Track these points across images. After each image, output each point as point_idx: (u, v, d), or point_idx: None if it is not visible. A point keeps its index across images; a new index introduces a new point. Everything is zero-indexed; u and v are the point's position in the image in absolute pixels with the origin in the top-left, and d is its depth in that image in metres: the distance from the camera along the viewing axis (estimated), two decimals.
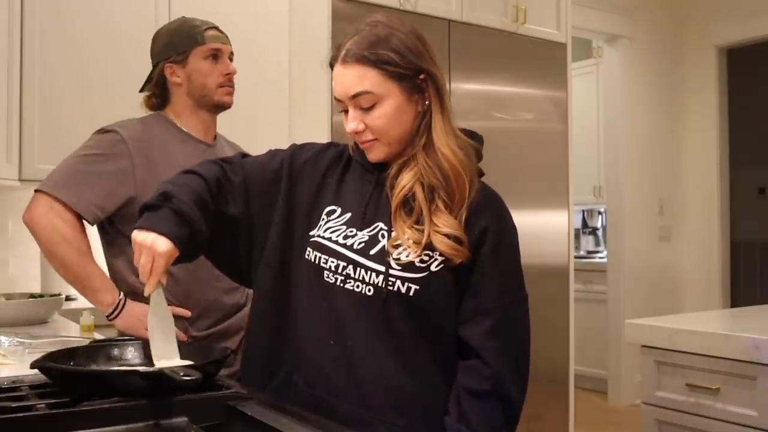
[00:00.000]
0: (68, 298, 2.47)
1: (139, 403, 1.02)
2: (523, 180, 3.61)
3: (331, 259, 1.23)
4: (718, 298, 5.04)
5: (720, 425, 1.84)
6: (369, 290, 1.20)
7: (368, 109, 1.23)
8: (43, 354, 1.13)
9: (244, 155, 1.43)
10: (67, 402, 1.02)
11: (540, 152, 3.73)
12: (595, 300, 5.15)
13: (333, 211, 1.28)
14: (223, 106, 1.86)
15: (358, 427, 1.16)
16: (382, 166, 1.28)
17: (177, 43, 1.81)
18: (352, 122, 1.25)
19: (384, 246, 1.22)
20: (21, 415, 0.96)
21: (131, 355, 1.22)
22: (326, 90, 2.78)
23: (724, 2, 5.00)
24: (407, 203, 1.24)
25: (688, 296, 5.17)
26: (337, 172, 1.33)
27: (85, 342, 1.54)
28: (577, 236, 5.67)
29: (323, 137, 2.88)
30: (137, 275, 1.72)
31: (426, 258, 1.20)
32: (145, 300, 1.70)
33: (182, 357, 1.17)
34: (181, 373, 0.98)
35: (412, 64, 1.23)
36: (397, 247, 1.21)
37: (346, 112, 1.26)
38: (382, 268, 1.20)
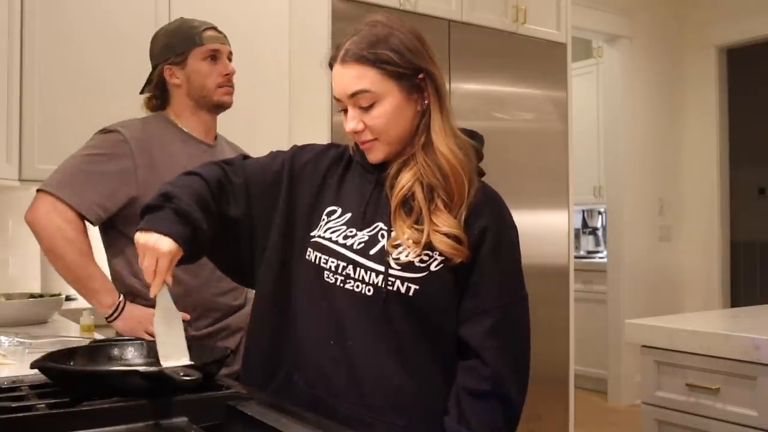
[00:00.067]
0: (68, 298, 2.47)
1: (139, 403, 1.02)
2: (523, 180, 3.61)
3: (331, 259, 1.24)
4: (718, 298, 5.04)
5: (720, 425, 1.84)
6: (369, 290, 1.20)
7: (367, 109, 1.23)
8: (43, 354, 1.13)
9: (245, 157, 1.43)
10: (67, 402, 1.02)
11: (540, 152, 3.73)
12: (595, 300, 5.15)
13: (333, 212, 1.29)
14: (222, 106, 1.86)
15: (358, 427, 1.16)
16: (381, 166, 1.28)
17: (175, 44, 1.81)
18: (352, 122, 1.25)
19: (383, 246, 1.22)
20: (21, 415, 0.96)
21: (131, 355, 1.22)
22: (326, 90, 2.78)
23: (724, 2, 5.00)
24: (407, 203, 1.24)
25: (688, 296, 5.17)
26: (337, 172, 1.33)
27: (85, 342, 1.54)
28: (577, 236, 5.67)
29: (323, 137, 2.88)
30: (136, 276, 1.73)
31: (426, 258, 1.20)
32: (144, 301, 1.72)
33: None
34: (181, 373, 0.98)
35: (411, 63, 1.23)
36: (396, 246, 1.21)
37: (346, 111, 1.26)
38: (381, 268, 1.20)
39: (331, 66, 1.27)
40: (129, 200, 1.71)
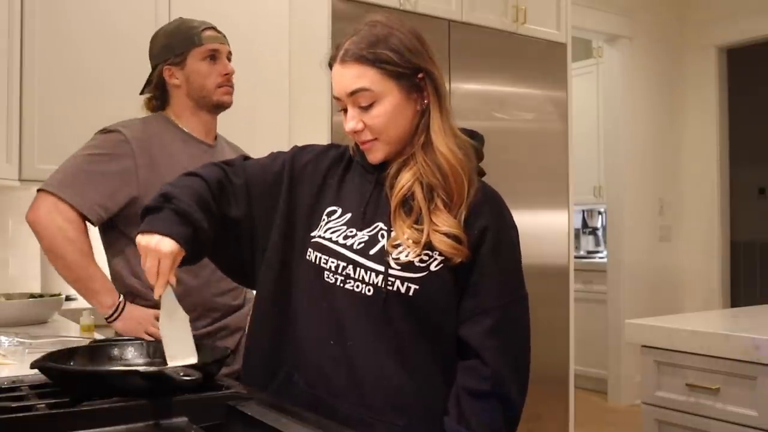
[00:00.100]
0: (68, 298, 2.47)
1: (139, 403, 1.02)
2: (523, 180, 3.61)
3: (331, 259, 1.24)
4: (718, 298, 5.04)
5: (720, 425, 1.84)
6: (369, 290, 1.20)
7: (367, 108, 1.23)
8: (43, 354, 1.13)
9: (246, 158, 1.43)
10: (67, 402, 1.02)
11: (540, 152, 3.73)
12: (595, 300, 5.15)
13: (333, 212, 1.29)
14: (222, 106, 1.86)
15: (358, 427, 1.16)
16: (381, 166, 1.28)
17: (174, 44, 1.81)
18: (351, 121, 1.25)
19: (383, 246, 1.22)
20: (21, 415, 0.96)
21: (131, 355, 1.22)
22: (326, 90, 2.78)
23: (724, 2, 5.00)
24: (406, 203, 1.24)
25: (688, 296, 5.17)
26: (337, 173, 1.33)
27: (85, 342, 1.54)
28: (577, 236, 5.67)
29: (323, 137, 2.88)
30: (136, 276, 1.73)
31: (425, 257, 1.20)
32: (145, 302, 1.72)
33: None
34: (181, 373, 0.98)
35: (410, 63, 1.23)
36: (396, 246, 1.21)
37: (346, 111, 1.26)
38: (381, 268, 1.20)
39: (330, 66, 1.27)
40: (130, 200, 1.71)
